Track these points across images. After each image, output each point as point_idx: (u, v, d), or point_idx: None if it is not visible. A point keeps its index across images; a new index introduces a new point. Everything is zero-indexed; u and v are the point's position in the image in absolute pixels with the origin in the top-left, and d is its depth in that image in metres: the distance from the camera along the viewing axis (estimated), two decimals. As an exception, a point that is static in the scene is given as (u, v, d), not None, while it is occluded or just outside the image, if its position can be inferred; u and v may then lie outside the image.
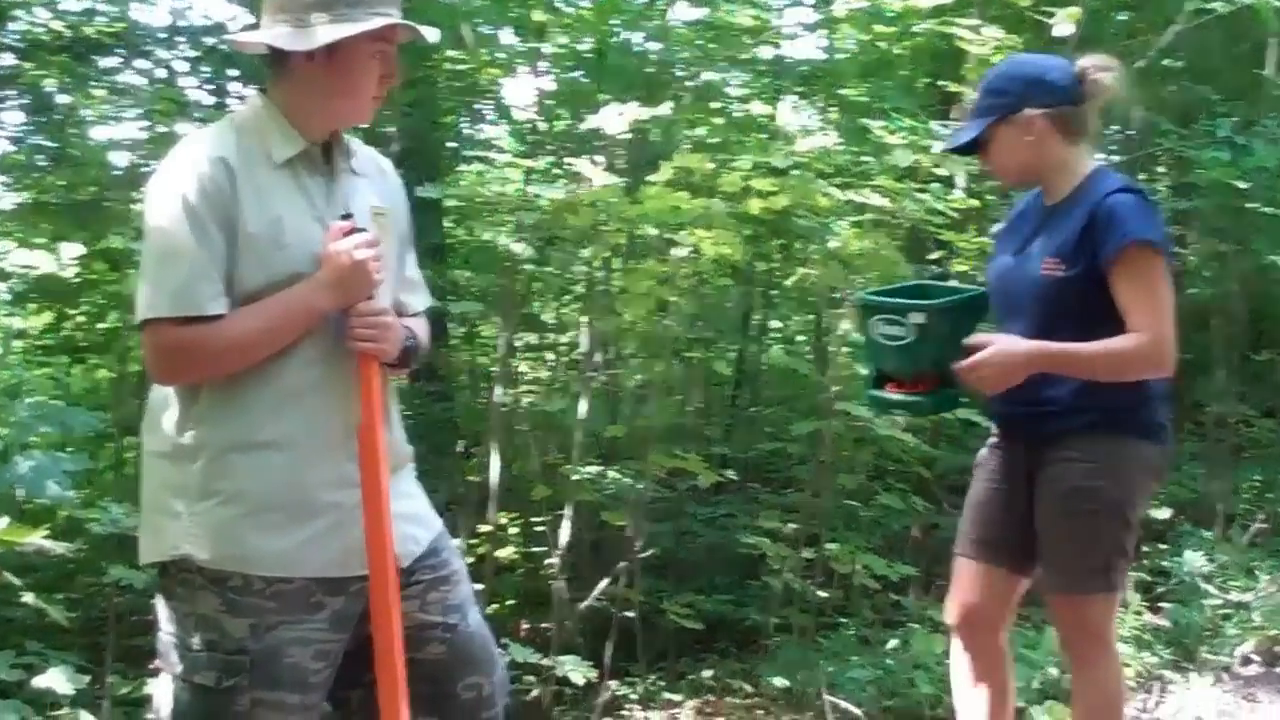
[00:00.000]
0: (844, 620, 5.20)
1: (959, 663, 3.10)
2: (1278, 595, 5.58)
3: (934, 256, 5.52)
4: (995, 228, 4.30)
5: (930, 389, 2.92)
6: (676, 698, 4.89)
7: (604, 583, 4.95)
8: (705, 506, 6.23)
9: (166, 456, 2.24)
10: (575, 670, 4.43)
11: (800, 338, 7.86)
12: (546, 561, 4.97)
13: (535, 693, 4.59)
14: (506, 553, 5.16)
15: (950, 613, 3.09)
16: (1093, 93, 2.91)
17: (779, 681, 4.72)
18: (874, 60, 6.77)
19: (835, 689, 4.53)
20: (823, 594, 5.13)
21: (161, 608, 2.27)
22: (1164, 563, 5.86)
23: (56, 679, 3.52)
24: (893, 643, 4.88)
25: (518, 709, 4.09)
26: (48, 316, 6.25)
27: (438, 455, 5.91)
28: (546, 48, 5.57)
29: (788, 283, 5.96)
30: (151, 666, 2.56)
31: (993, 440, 3.07)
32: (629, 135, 4.97)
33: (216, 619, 2.19)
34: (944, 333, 2.86)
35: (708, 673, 5.11)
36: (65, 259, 4.45)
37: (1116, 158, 7.21)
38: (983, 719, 3.06)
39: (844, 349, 5.01)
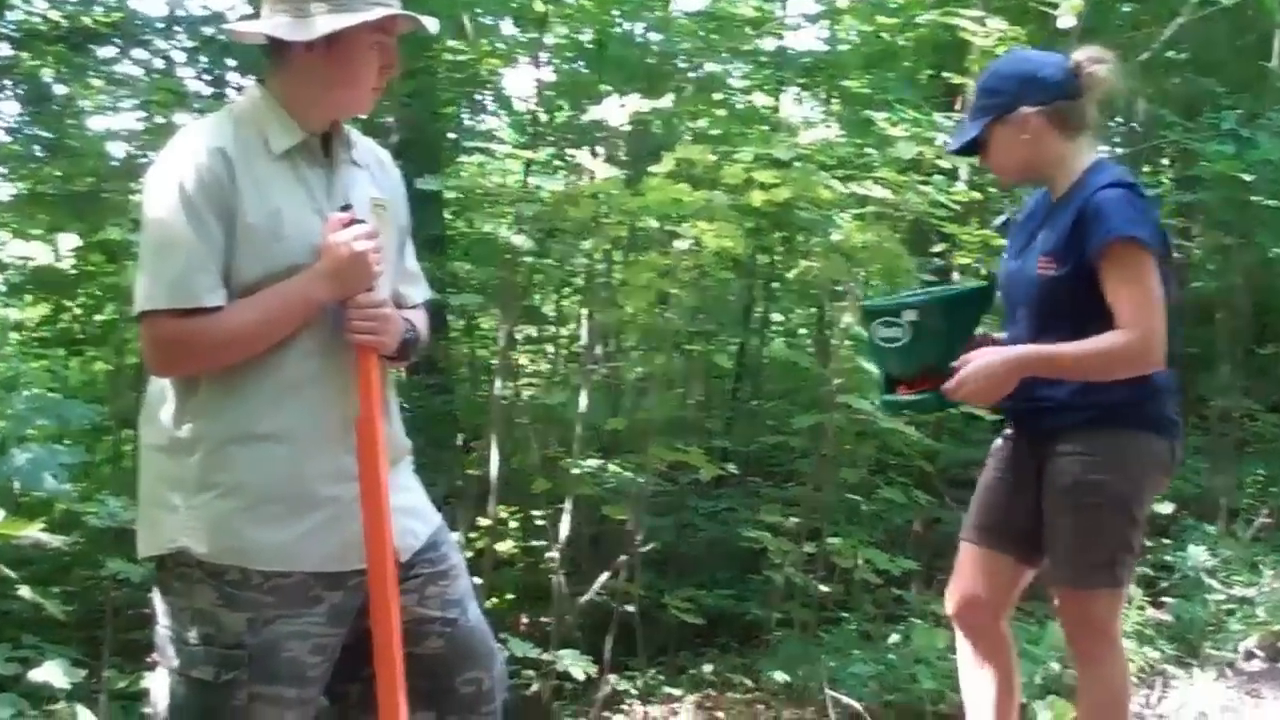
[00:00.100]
0: (845, 615, 5.19)
1: (963, 650, 3.10)
2: (1281, 590, 5.59)
3: (937, 249, 5.51)
4: (996, 220, 4.29)
5: (935, 386, 2.91)
6: (677, 692, 4.87)
7: (604, 577, 4.93)
8: (706, 500, 6.22)
9: (164, 449, 2.23)
10: (575, 665, 4.43)
11: (802, 331, 7.86)
12: (546, 555, 4.95)
13: (535, 687, 4.57)
14: (506, 547, 5.16)
15: (949, 599, 3.09)
16: (1089, 86, 2.89)
17: (780, 676, 4.70)
18: (877, 52, 6.77)
19: (836, 684, 4.51)
20: (824, 588, 5.12)
21: (159, 602, 2.26)
22: (1167, 557, 5.86)
23: (53, 672, 3.51)
24: (894, 637, 4.87)
25: (517, 704, 4.08)
26: (45, 308, 6.24)
27: (437, 448, 5.90)
28: (547, 38, 5.56)
29: (789, 276, 5.94)
30: (149, 660, 2.54)
31: (1006, 431, 3.07)
32: (630, 127, 4.95)
33: (214, 613, 2.18)
34: (940, 329, 2.87)
35: (708, 667, 5.09)
36: (62, 250, 4.43)
37: (1121, 150, 7.19)
38: (989, 706, 3.06)
39: (846, 342, 4.99)
